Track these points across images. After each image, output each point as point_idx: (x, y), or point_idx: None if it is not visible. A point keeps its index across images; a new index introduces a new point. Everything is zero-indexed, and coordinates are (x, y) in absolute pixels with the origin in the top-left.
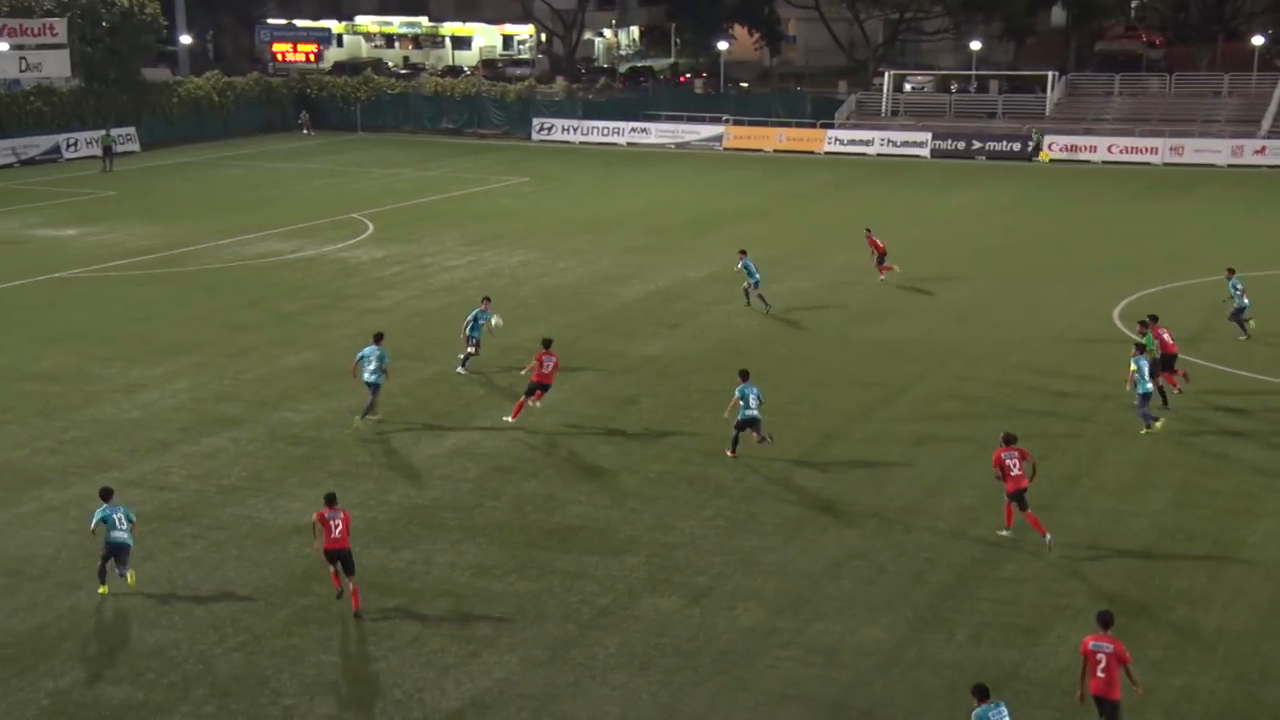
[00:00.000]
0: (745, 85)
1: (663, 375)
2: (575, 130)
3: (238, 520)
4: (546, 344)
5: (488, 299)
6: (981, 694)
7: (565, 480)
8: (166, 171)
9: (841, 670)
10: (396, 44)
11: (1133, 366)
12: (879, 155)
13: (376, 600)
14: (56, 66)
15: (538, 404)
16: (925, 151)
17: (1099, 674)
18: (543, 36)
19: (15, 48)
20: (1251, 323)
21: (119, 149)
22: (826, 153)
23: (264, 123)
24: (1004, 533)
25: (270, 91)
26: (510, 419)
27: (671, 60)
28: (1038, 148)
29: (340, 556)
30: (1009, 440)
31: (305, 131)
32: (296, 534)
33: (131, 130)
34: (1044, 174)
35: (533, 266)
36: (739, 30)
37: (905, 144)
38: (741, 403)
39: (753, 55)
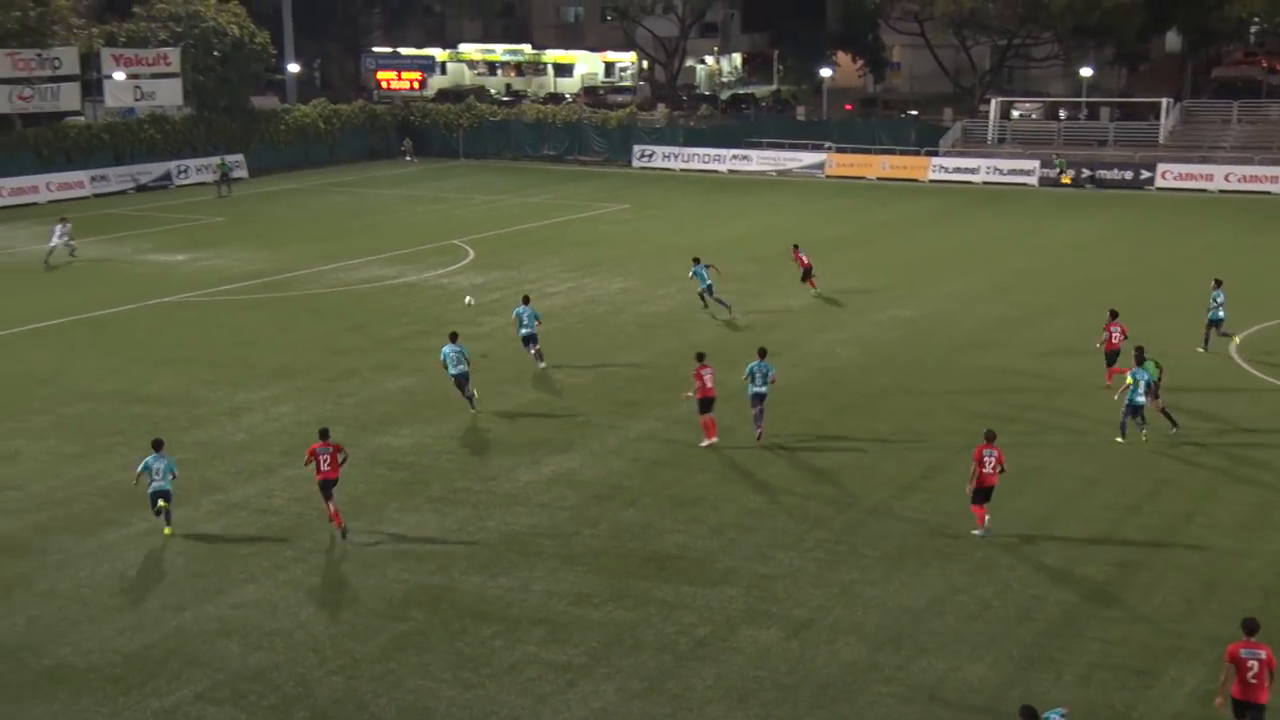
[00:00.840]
0: (849, 107)
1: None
2: (676, 157)
3: (337, 544)
4: (700, 358)
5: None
6: (1029, 716)
7: (663, 509)
8: (273, 198)
9: (945, 709)
10: (499, 71)
11: (1129, 380)
12: (985, 184)
13: (473, 627)
14: (170, 95)
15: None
16: (1033, 180)
17: (1249, 679)
18: (644, 64)
19: (131, 77)
20: (1237, 339)
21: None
22: (931, 181)
23: (368, 149)
24: (977, 532)
25: (374, 119)
26: (708, 442)
27: (774, 87)
28: (1061, 172)
29: (329, 486)
30: (990, 438)
31: (408, 158)
32: (396, 558)
33: (240, 157)
34: (1156, 203)
35: (632, 293)
36: (842, 57)
37: (1012, 172)
38: (749, 381)
39: (856, 82)
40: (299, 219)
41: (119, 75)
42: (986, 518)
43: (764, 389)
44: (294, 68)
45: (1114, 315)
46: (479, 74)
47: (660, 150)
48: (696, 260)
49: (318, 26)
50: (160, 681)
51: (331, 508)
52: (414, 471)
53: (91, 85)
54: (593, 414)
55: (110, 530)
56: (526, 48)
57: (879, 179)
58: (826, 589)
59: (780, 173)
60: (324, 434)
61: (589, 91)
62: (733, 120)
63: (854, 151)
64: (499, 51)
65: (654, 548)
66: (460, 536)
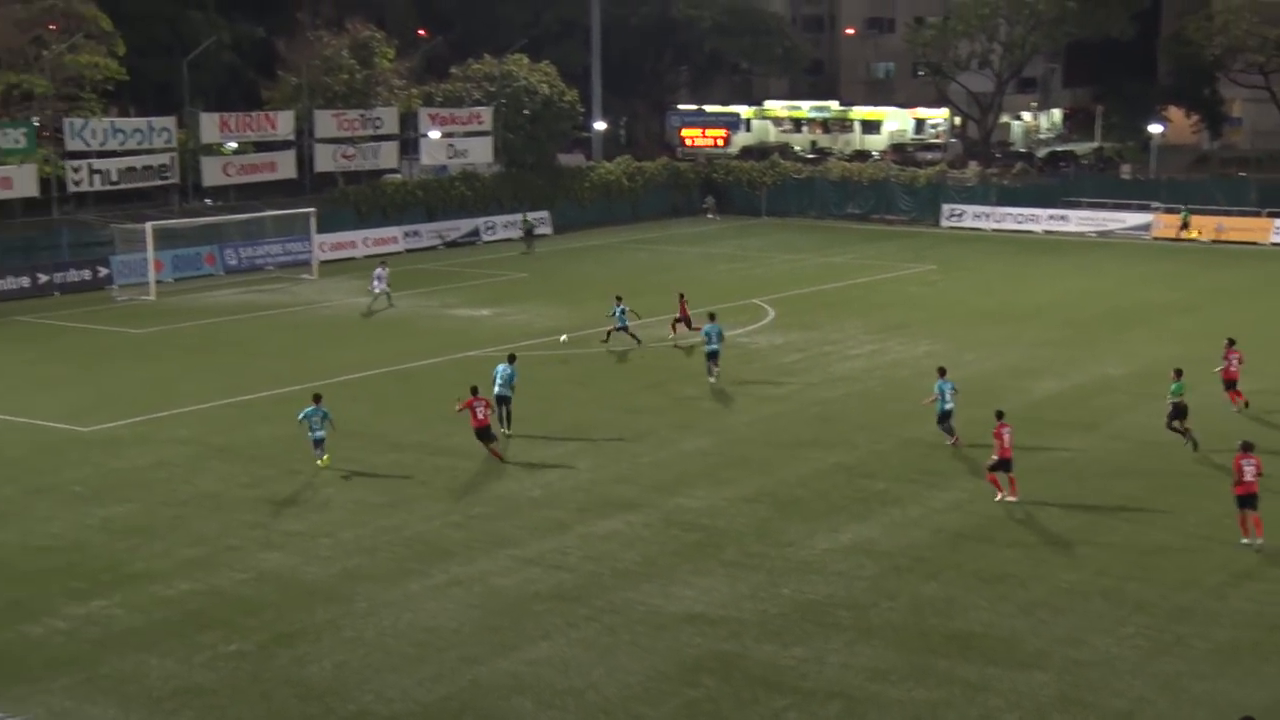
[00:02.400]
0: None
1: (1076, 478)
2: (987, 217)
3: (630, 605)
4: (1000, 415)
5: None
6: None
7: (967, 584)
8: (577, 254)
9: None
10: (804, 128)
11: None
12: None
13: (766, 697)
14: (481, 153)
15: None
16: None
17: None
18: (957, 120)
19: (445, 135)
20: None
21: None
22: (1273, 244)
23: (670, 207)
24: (1246, 541)
25: (678, 176)
26: (1009, 497)
27: (1096, 144)
28: (1185, 224)
29: (484, 434)
30: (1247, 448)
31: (710, 215)
32: (689, 622)
33: (545, 214)
34: None
35: (938, 357)
36: (1174, 112)
37: None
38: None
39: (1189, 139)
40: (600, 276)
41: (434, 134)
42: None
43: (951, 405)
44: (600, 125)
45: (1231, 343)
46: (784, 131)
47: (971, 209)
48: (619, 299)
49: (625, 84)
50: None
51: (494, 448)
52: (708, 534)
53: (408, 144)
54: (893, 482)
55: (413, 580)
56: (834, 104)
57: (1213, 242)
58: (1148, 680)
59: (1101, 234)
60: (475, 390)
61: (897, 149)
62: (1050, 179)
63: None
64: (805, 108)
65: (957, 625)
66: (753, 603)
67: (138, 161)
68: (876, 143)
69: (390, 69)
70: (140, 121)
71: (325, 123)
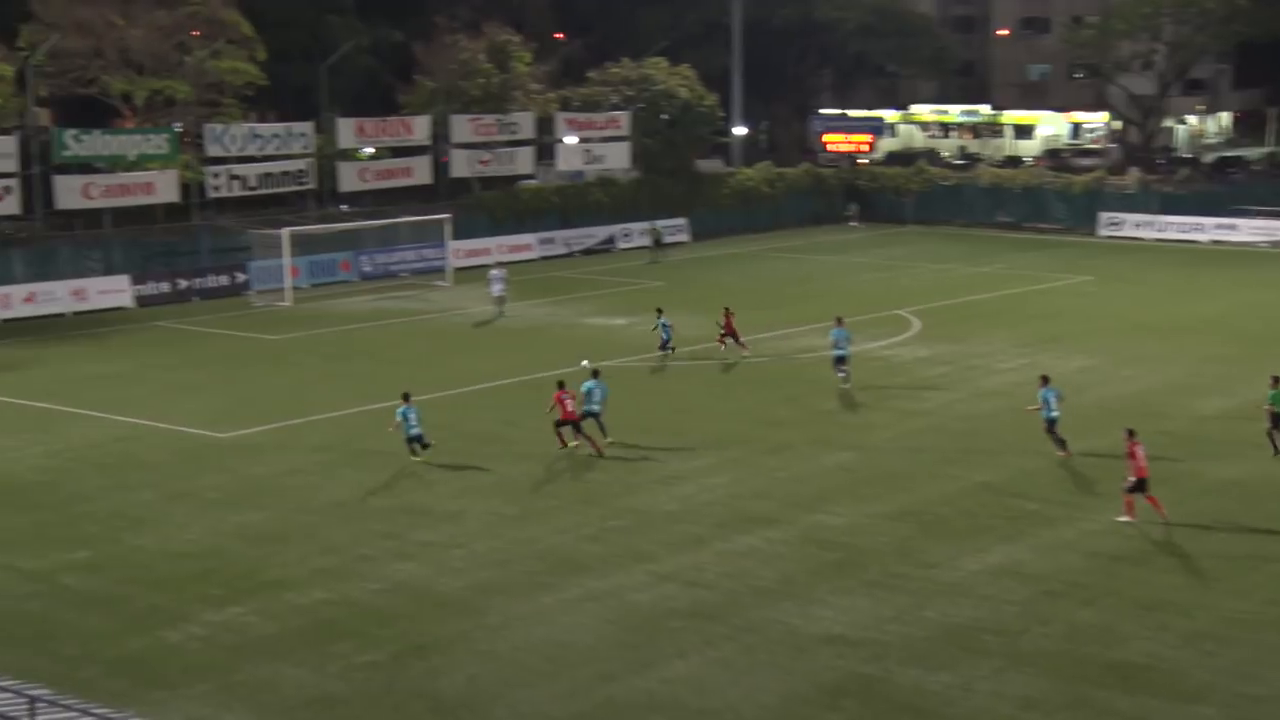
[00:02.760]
0: None
1: (1245, 501)
2: (1149, 226)
3: (769, 624)
4: (1131, 433)
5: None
6: None
7: (1126, 611)
8: (713, 263)
9: None
10: (953, 133)
11: None
12: None
13: None
14: (618, 158)
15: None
16: None
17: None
18: (1116, 124)
19: (582, 141)
20: None
21: (668, 239)
22: None
23: (811, 214)
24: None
25: (820, 182)
26: (1125, 518)
27: (1269, 148)
28: None
29: (569, 423)
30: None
31: (853, 223)
32: (829, 643)
33: (683, 221)
34: None
35: (1093, 373)
36: None
37: None
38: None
39: None
40: (738, 285)
41: (571, 139)
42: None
43: (1057, 413)
44: (741, 130)
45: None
46: (931, 136)
47: (1130, 218)
48: (659, 311)
49: (766, 88)
50: None
51: (587, 437)
52: (849, 552)
53: (544, 149)
54: (1044, 503)
55: (545, 594)
56: (984, 108)
57: None
58: None
59: (1274, 244)
60: (560, 384)
61: (1051, 154)
62: (1218, 185)
63: None
64: (954, 113)
65: (1116, 654)
66: (897, 625)
67: (275, 167)
68: (1029, 148)
69: (527, 73)
70: (279, 127)
71: (461, 127)
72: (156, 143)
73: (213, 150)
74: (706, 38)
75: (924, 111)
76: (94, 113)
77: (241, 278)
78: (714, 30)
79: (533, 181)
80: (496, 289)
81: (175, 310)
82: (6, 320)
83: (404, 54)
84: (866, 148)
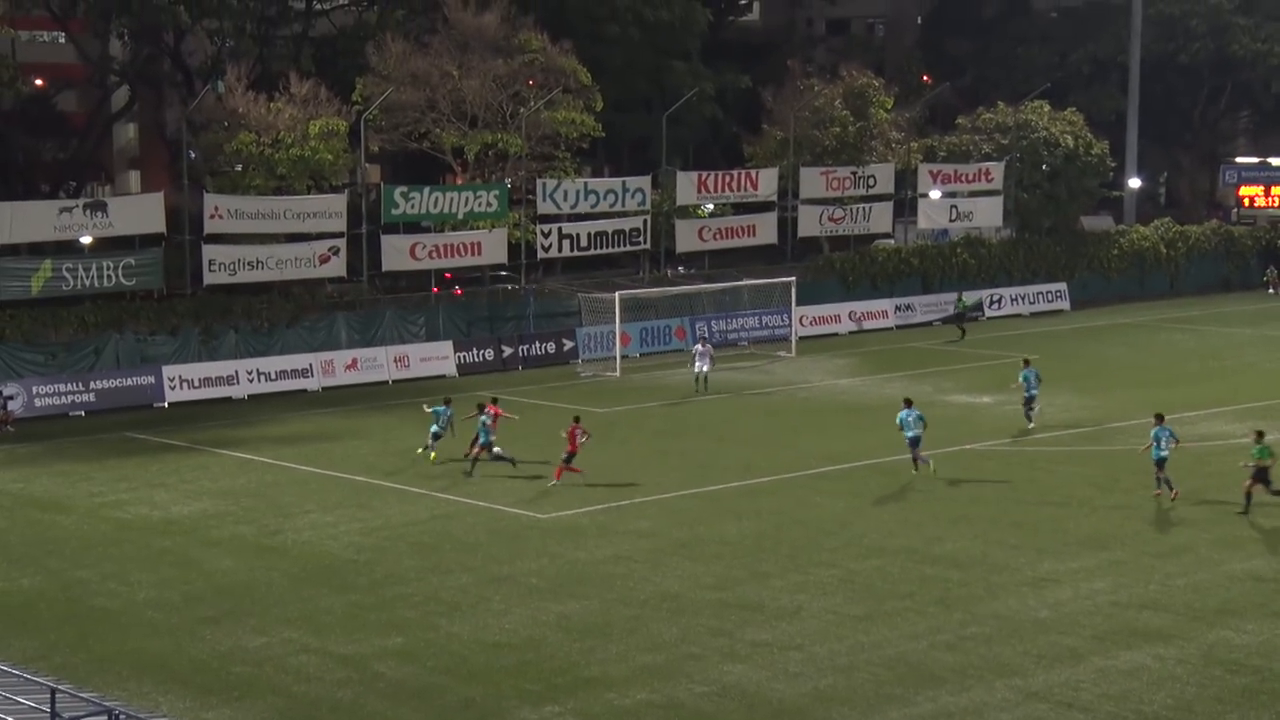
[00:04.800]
0: None
1: None
2: None
3: None
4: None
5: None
6: None
7: None
8: (1097, 334)
9: None
10: None
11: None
12: None
13: None
14: (989, 215)
15: None
16: None
17: None
18: None
19: (947, 195)
20: None
21: (1045, 308)
22: None
23: (1220, 279)
24: None
25: (1231, 242)
26: None
27: None
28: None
29: (571, 457)
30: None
31: (1272, 291)
32: None
33: (1062, 286)
34: None
35: None
36: None
37: None
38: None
39: None
40: (1128, 360)
41: (935, 193)
42: None
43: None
44: (1135, 182)
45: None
46: None
47: None
48: (1027, 362)
49: (1168, 134)
50: None
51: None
52: (1261, 677)
53: (904, 205)
54: None
55: (893, 707)
56: None
57: None
58: None
59: None
60: (577, 419)
61: None
62: None
63: None
64: None
65: None
66: None
67: (609, 225)
68: None
69: (888, 120)
70: (614, 182)
71: (812, 181)
72: (486, 199)
73: (544, 207)
74: (1097, 77)
75: None
76: (423, 168)
77: (569, 344)
78: (1106, 69)
79: (890, 241)
80: (701, 365)
81: (498, 380)
82: (329, 388)
83: (752, 101)
84: None
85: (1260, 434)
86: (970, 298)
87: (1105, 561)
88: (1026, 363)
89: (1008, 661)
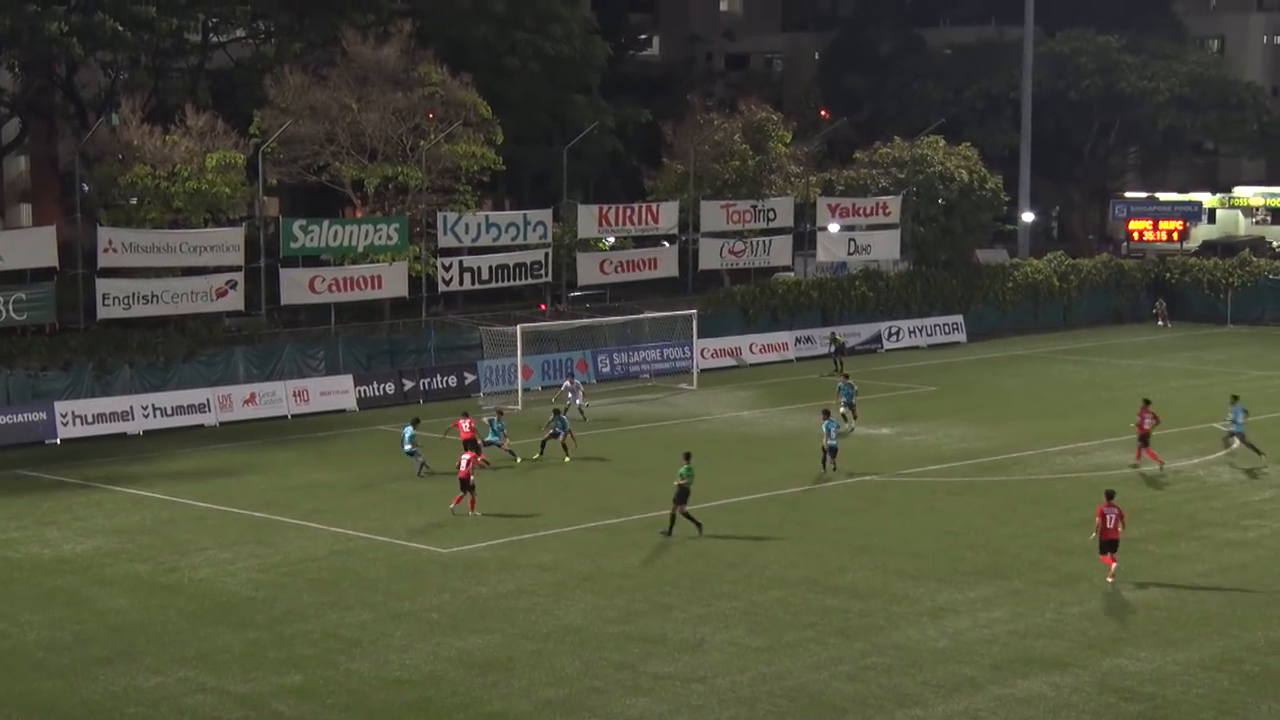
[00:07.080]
0: None
1: None
2: None
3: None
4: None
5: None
6: None
7: None
8: (993, 366)
9: None
10: None
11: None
12: None
13: None
14: (886, 248)
15: None
16: None
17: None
18: None
19: (845, 228)
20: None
21: (941, 340)
22: None
23: (1111, 312)
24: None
25: (1121, 275)
26: None
27: None
28: None
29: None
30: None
31: (1160, 323)
32: None
33: (958, 319)
34: None
35: None
36: None
37: None
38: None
39: None
40: (1022, 391)
41: (834, 227)
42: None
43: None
44: (1028, 216)
45: (1146, 403)
46: (1258, 222)
47: None
48: (1235, 399)
49: (1060, 169)
50: None
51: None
52: (1154, 705)
53: (803, 238)
54: None
55: None
56: None
57: None
58: None
59: None
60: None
61: None
62: None
63: None
64: None
65: None
66: None
67: (510, 258)
68: None
69: (786, 154)
70: (515, 215)
71: (713, 214)
72: (386, 233)
73: (444, 241)
74: (990, 113)
75: (1249, 194)
76: (323, 201)
77: (470, 378)
78: (999, 105)
79: (790, 274)
80: (576, 399)
81: (399, 413)
82: (227, 423)
83: (652, 135)
84: (1178, 236)
85: (688, 455)
86: (841, 335)
87: (1003, 590)
88: (1235, 399)
89: (908, 691)
